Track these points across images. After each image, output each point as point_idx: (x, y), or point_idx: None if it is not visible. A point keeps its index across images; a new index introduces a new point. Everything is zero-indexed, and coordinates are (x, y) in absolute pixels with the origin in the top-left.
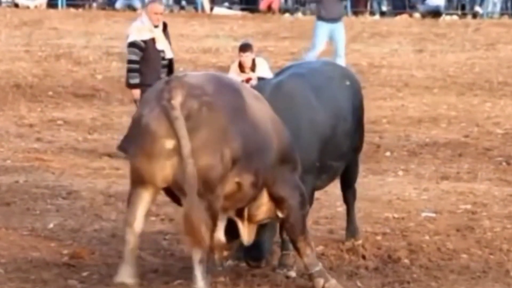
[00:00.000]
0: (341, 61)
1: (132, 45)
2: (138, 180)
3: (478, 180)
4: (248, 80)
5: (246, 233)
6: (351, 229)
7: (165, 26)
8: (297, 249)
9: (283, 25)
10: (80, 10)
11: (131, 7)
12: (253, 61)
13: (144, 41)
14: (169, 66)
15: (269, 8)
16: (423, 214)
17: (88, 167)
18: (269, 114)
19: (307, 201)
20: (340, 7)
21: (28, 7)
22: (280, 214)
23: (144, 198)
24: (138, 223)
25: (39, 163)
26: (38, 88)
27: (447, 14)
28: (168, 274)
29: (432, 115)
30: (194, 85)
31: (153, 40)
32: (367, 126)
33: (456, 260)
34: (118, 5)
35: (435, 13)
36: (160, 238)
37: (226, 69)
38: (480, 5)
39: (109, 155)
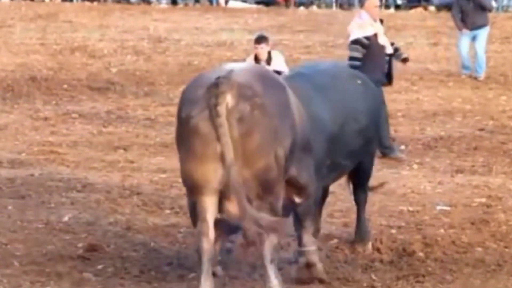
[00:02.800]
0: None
1: (355, 42)
2: (195, 187)
3: (493, 173)
4: None
5: None
6: (360, 232)
7: (381, 21)
8: (304, 226)
9: (298, 19)
10: (95, 3)
11: (145, 1)
12: (269, 54)
13: (367, 37)
14: (389, 62)
15: (286, 0)
16: (438, 208)
17: (103, 160)
18: (297, 103)
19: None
20: (483, 17)
21: (43, 0)
22: (297, 200)
23: (210, 204)
24: (212, 231)
25: (54, 156)
26: (53, 81)
27: None
28: (182, 267)
29: (447, 109)
30: (244, 84)
31: (375, 35)
32: None
33: (471, 253)
34: None
35: (450, 6)
36: (175, 231)
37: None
38: None
39: (124, 149)
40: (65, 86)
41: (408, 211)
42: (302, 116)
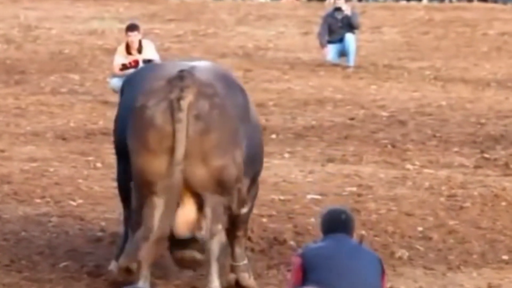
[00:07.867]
0: None
1: None
2: (146, 184)
3: (363, 162)
4: (135, 62)
5: None
6: None
7: None
8: (236, 237)
9: (169, 7)
10: None
11: None
12: (140, 42)
13: None
14: None
15: None
16: (309, 197)
17: None
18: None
19: None
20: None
21: None
22: (243, 210)
23: (160, 206)
24: (154, 240)
25: None
26: None
27: None
28: (53, 256)
29: (318, 98)
30: (206, 83)
31: None
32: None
33: None
34: None
35: None
36: (46, 220)
37: (112, 51)
38: None
39: None
40: None
41: (279, 200)
42: (258, 120)
